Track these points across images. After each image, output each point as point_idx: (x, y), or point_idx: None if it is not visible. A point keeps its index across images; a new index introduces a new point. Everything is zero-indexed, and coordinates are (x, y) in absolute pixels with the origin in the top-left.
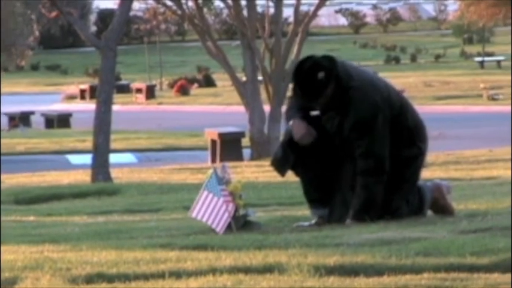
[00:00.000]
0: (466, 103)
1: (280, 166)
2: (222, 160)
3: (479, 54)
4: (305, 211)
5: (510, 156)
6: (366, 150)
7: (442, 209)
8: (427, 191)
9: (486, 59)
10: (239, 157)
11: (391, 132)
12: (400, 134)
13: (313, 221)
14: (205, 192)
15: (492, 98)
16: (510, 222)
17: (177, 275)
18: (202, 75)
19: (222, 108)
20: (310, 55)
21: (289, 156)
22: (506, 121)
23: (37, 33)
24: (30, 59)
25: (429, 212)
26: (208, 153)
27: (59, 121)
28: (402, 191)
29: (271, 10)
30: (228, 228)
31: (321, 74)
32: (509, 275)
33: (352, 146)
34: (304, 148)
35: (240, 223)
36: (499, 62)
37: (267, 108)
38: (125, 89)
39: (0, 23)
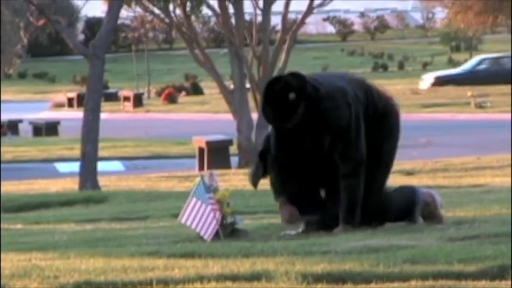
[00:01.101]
0: (453, 111)
1: (252, 179)
2: (209, 168)
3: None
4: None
5: (498, 164)
6: (344, 153)
7: (432, 215)
8: (420, 193)
9: None
10: (227, 165)
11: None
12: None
13: (299, 229)
14: (194, 199)
15: (479, 106)
16: (498, 230)
17: (165, 282)
18: (190, 83)
19: (209, 116)
20: (278, 76)
21: (259, 169)
22: (494, 129)
23: (25, 41)
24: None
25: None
26: (196, 161)
27: (47, 129)
28: (379, 176)
29: (259, 18)
30: (216, 235)
31: (292, 95)
32: (497, 282)
33: (332, 158)
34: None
35: (227, 231)
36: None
37: (254, 116)
38: (112, 97)
39: None
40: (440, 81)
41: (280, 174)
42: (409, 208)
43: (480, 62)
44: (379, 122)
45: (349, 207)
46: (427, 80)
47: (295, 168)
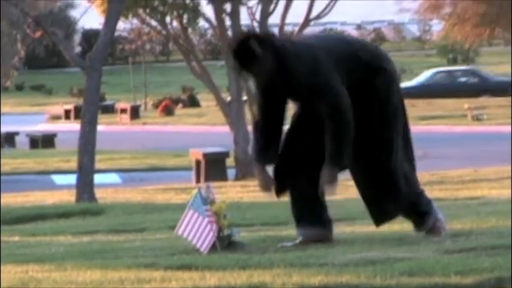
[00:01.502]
0: (450, 123)
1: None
2: (206, 180)
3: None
4: (289, 231)
5: (495, 176)
6: (320, 95)
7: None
8: (437, 209)
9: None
10: (224, 177)
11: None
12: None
13: (297, 241)
14: (191, 211)
15: (476, 118)
16: (495, 242)
17: None
18: (186, 96)
19: (206, 128)
20: (248, 30)
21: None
22: (491, 141)
23: (22, 53)
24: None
25: (411, 231)
26: (193, 173)
27: (44, 141)
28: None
29: (256, 30)
30: (213, 248)
31: (254, 43)
32: None
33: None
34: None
35: (224, 243)
36: None
37: (251, 128)
38: (109, 109)
39: None
40: None
41: (263, 139)
42: (417, 209)
43: (434, 75)
44: (367, 80)
45: (334, 147)
46: None
47: (278, 133)
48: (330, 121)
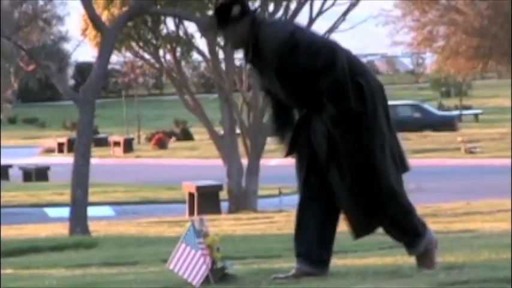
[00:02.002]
0: (443, 156)
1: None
2: (199, 213)
3: (456, 108)
4: (282, 264)
5: (488, 209)
6: (310, 50)
7: (428, 255)
8: (430, 232)
9: (464, 112)
10: (217, 210)
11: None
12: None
13: (290, 273)
14: (183, 245)
15: (470, 152)
16: (488, 275)
17: None
18: (180, 129)
19: (199, 161)
20: None
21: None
22: (484, 174)
23: (15, 86)
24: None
25: (405, 264)
26: (186, 206)
27: (37, 174)
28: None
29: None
30: (206, 280)
31: (236, 8)
32: None
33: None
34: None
35: (217, 276)
36: (476, 115)
37: (244, 161)
38: (102, 142)
39: None
40: None
41: (272, 111)
42: (407, 229)
43: None
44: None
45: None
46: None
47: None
48: (325, 79)
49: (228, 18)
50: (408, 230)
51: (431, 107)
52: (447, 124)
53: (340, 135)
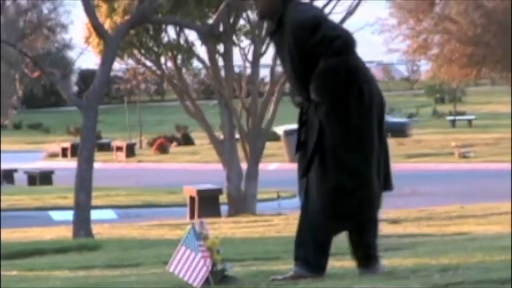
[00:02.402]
0: (437, 161)
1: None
2: (200, 216)
3: (450, 113)
4: (280, 266)
5: (481, 213)
6: (324, 36)
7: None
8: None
9: (457, 118)
10: (217, 213)
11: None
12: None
13: (288, 275)
14: (183, 248)
15: (463, 156)
16: (481, 277)
17: None
18: (180, 134)
19: (200, 165)
20: None
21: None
22: (477, 178)
23: (20, 92)
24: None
25: (400, 266)
26: (187, 209)
27: (42, 178)
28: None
29: (248, 71)
30: (206, 282)
31: None
32: None
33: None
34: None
35: (217, 277)
36: (470, 120)
37: (244, 166)
38: (105, 147)
39: None
40: (287, 134)
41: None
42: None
43: None
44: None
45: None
46: (277, 131)
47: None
48: (330, 60)
49: None
50: (371, 245)
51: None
52: (398, 130)
53: (330, 127)
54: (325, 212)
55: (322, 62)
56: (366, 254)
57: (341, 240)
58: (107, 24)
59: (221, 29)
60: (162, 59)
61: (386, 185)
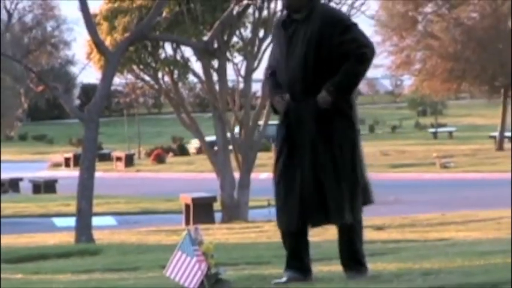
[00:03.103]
0: (420, 171)
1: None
2: (195, 223)
3: (432, 126)
4: (271, 270)
5: (461, 220)
6: (356, 38)
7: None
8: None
9: (439, 130)
10: (211, 220)
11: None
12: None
13: (284, 279)
14: (179, 253)
15: (444, 166)
16: (461, 280)
17: None
18: (177, 145)
19: (195, 175)
20: None
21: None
22: (457, 187)
23: (25, 105)
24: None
25: (385, 270)
26: (183, 216)
27: (46, 187)
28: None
29: (241, 85)
30: (201, 285)
31: None
32: None
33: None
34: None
35: (212, 281)
36: (450, 132)
37: (236, 175)
38: (106, 158)
39: None
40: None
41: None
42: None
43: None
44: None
45: (343, 79)
46: (193, 144)
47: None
48: (354, 58)
49: None
50: (358, 250)
51: None
52: None
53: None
54: None
55: (349, 63)
56: (352, 258)
57: (328, 246)
58: (108, 41)
59: (215, 45)
60: (160, 74)
61: (367, 199)
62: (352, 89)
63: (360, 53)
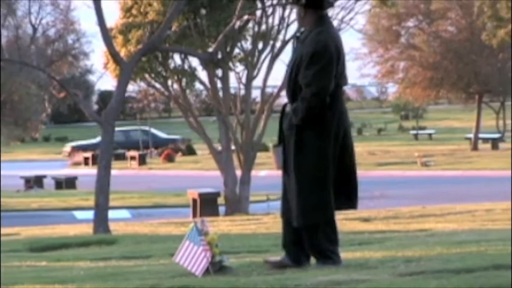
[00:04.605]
0: (403, 169)
1: None
2: (201, 215)
3: (413, 128)
4: (270, 257)
5: (440, 212)
6: (311, 79)
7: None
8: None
9: (420, 132)
10: (215, 213)
11: None
12: None
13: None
14: (187, 242)
15: (425, 165)
16: (440, 267)
17: None
18: (185, 146)
19: (201, 172)
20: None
21: None
22: (436, 184)
23: (49, 110)
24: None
25: (372, 258)
26: (190, 209)
27: (67, 183)
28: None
29: (242, 92)
30: (206, 271)
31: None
32: None
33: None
34: None
35: (216, 267)
36: (430, 134)
37: (238, 172)
38: (121, 157)
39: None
40: (74, 150)
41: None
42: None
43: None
44: None
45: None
46: (66, 148)
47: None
48: (303, 101)
49: (297, 1)
50: (323, 248)
51: (157, 131)
52: (171, 145)
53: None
54: None
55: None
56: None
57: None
58: (122, 53)
59: (219, 56)
60: (169, 82)
61: (350, 201)
62: (304, 120)
63: (303, 92)
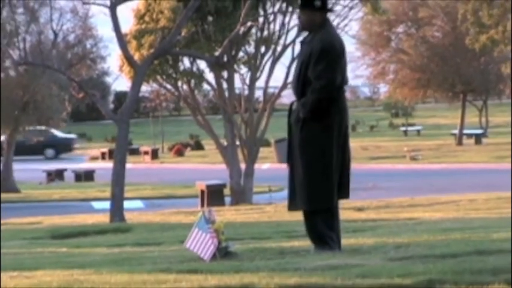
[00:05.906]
0: (393, 162)
1: None
2: (208, 205)
3: (403, 125)
4: (272, 244)
5: (427, 202)
6: (320, 73)
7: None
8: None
9: (409, 128)
10: (222, 203)
11: None
12: None
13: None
14: (196, 230)
15: (413, 159)
16: (427, 252)
17: None
18: (193, 141)
19: (208, 166)
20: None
21: None
22: (424, 176)
23: (69, 109)
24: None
25: (365, 244)
26: (198, 200)
27: (85, 176)
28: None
29: (246, 92)
30: (213, 256)
31: (318, 2)
32: None
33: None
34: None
35: (222, 253)
36: (418, 131)
37: (243, 166)
38: (135, 152)
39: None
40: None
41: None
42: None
43: None
44: None
45: (310, 105)
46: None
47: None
48: (313, 95)
49: (309, 5)
50: (320, 235)
51: (56, 132)
52: (66, 145)
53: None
54: None
55: (308, 91)
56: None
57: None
58: (136, 56)
59: (225, 59)
60: (179, 83)
61: (343, 192)
62: (313, 112)
63: (313, 84)
